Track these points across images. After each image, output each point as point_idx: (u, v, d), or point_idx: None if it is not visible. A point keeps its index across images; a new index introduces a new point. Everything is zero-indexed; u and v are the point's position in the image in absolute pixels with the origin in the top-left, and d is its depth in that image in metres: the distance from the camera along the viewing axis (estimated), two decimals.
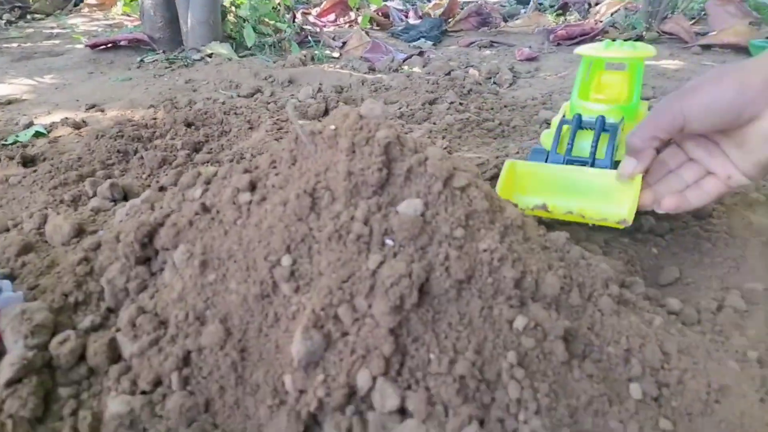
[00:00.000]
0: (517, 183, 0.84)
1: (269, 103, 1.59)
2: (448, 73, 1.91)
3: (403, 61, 2.09)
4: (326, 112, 1.48)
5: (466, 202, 0.63)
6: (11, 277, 0.77)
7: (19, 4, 3.65)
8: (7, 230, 0.91)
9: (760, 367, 0.66)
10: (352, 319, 0.56)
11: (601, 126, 0.81)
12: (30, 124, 1.50)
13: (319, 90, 1.68)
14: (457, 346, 0.56)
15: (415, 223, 0.59)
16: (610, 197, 0.80)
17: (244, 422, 0.57)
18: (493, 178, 1.08)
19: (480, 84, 1.77)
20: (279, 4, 2.74)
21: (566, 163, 0.84)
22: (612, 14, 2.62)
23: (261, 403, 0.56)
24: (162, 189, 1.00)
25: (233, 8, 2.38)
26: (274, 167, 0.69)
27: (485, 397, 0.55)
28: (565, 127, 0.85)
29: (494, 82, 1.87)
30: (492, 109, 1.52)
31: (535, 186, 0.83)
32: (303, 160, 0.66)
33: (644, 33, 2.38)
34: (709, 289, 0.81)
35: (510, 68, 2.03)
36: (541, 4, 3.36)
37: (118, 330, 0.64)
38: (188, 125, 1.30)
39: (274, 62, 2.11)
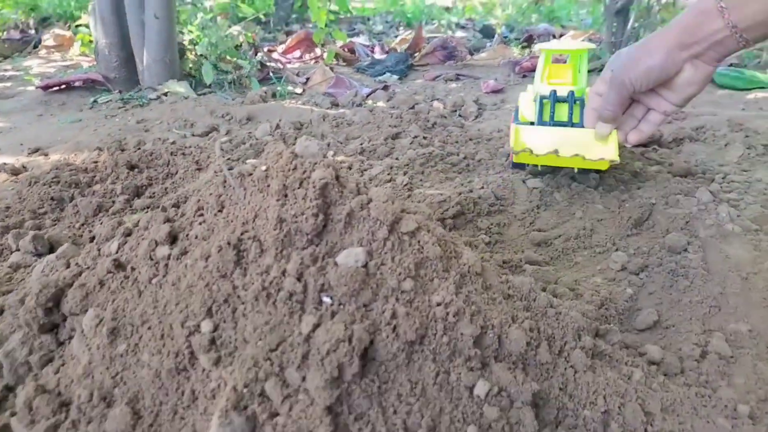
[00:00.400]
0: (524, 141, 1.06)
1: (224, 143, 1.51)
2: (413, 107, 1.87)
3: (367, 96, 2.04)
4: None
5: (415, 248, 0.55)
6: None
7: None
8: None
9: (753, 424, 0.59)
10: (282, 396, 0.47)
11: (572, 98, 1.07)
12: None
13: (278, 127, 1.61)
14: (408, 422, 0.48)
15: (357, 276, 0.51)
16: (597, 146, 1.02)
17: None
18: (456, 216, 1.01)
19: (445, 117, 1.73)
20: (242, 42, 2.69)
21: (553, 126, 1.07)
22: None
23: None
24: (93, 240, 0.91)
25: (192, 46, 2.32)
26: (201, 215, 0.61)
27: None
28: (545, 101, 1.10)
29: (459, 115, 1.83)
30: (457, 142, 1.47)
31: (539, 141, 1.05)
32: (231, 206, 0.58)
33: None
34: (691, 333, 0.74)
35: (475, 100, 2.00)
36: (506, 37, 3.39)
37: (13, 414, 0.54)
38: (131, 168, 1.21)
39: (233, 99, 2.05)
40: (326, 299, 0.50)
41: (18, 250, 0.90)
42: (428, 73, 2.52)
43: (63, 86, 2.29)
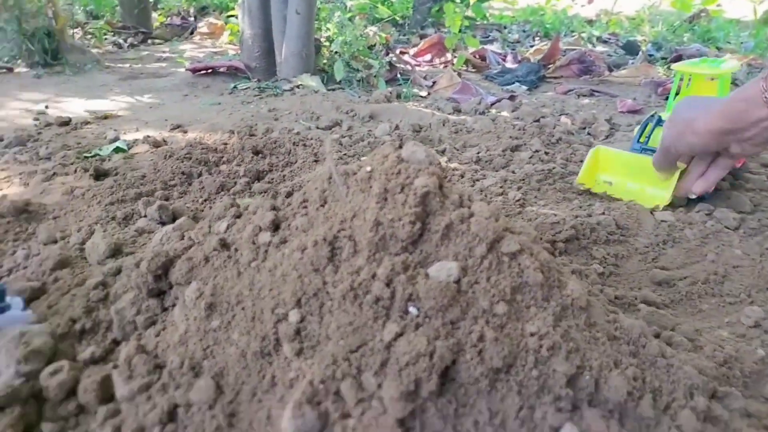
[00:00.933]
0: (599, 165, 1.17)
1: (343, 137, 1.55)
2: (538, 120, 1.79)
3: (492, 104, 1.99)
4: None
5: (515, 271, 0.52)
6: (41, 291, 0.75)
7: (143, 30, 3.98)
8: (54, 242, 0.91)
9: None
10: (355, 399, 0.46)
11: (659, 122, 1.13)
12: (116, 139, 1.56)
13: (397, 128, 1.62)
14: None
15: (447, 291, 0.49)
16: (655, 186, 1.07)
17: None
18: (569, 241, 0.94)
19: (572, 134, 1.64)
20: (376, 42, 2.76)
21: (641, 152, 1.12)
22: None
23: None
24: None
25: (328, 43, 2.41)
26: (305, 207, 0.62)
27: None
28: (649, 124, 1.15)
29: (588, 133, 1.73)
30: (581, 161, 1.38)
31: (612, 167, 1.15)
32: (333, 202, 0.58)
33: None
34: None
35: (608, 119, 1.87)
36: (651, 55, 3.15)
37: (115, 366, 0.59)
38: (256, 153, 1.27)
39: (359, 97, 2.10)
40: (412, 310, 0.49)
41: (145, 216, 0.98)
42: (560, 87, 2.41)
43: (209, 71, 2.48)
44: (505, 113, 1.93)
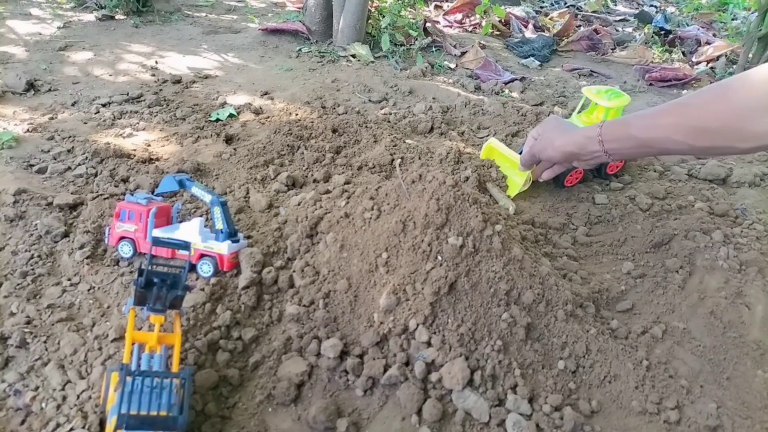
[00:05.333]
0: (491, 154, 1.69)
1: (390, 114, 2.11)
2: (540, 103, 2.31)
3: (506, 84, 2.50)
4: (431, 130, 1.98)
5: (489, 242, 1.13)
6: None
7: None
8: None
9: (648, 371, 1.11)
10: (412, 293, 1.09)
11: None
12: (224, 104, 2.13)
13: (430, 108, 2.17)
14: (464, 318, 1.08)
15: (455, 250, 1.10)
16: (520, 173, 1.58)
17: (351, 332, 1.13)
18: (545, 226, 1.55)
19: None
20: (415, 1, 3.20)
21: (520, 152, 1.56)
22: (715, 60, 2.82)
23: (361, 324, 1.12)
24: (315, 181, 1.58)
25: (379, 15, 2.88)
26: (387, 196, 1.23)
27: (476, 349, 1.06)
28: None
29: None
30: None
31: (497, 156, 1.67)
32: (403, 199, 1.19)
33: None
34: (647, 320, 1.25)
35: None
36: (661, 28, 3.53)
37: (293, 271, 1.22)
38: (334, 131, 1.85)
39: (401, 70, 2.62)
40: (439, 258, 1.10)
41: (275, 179, 1.59)
42: (567, 64, 2.89)
43: (276, 30, 2.98)
44: (515, 94, 2.46)
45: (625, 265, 1.40)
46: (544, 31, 3.46)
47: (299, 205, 1.39)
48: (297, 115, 2.00)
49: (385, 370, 1.01)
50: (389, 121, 2.04)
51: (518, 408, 0.99)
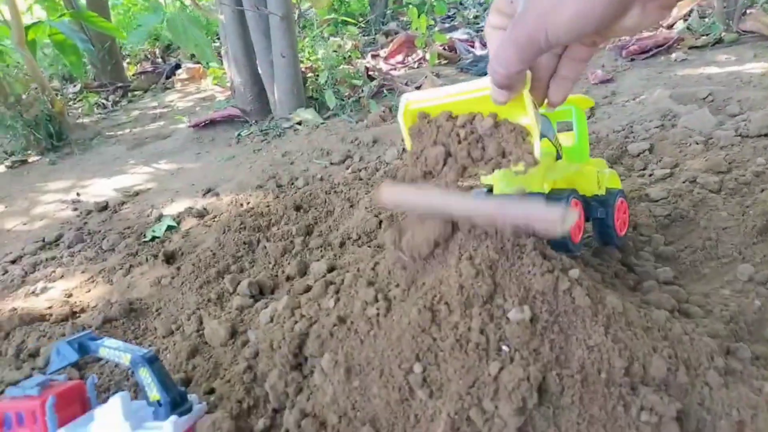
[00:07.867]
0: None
1: (360, 170, 1.73)
2: None
3: None
4: None
5: (568, 300, 0.71)
6: (186, 380, 0.94)
7: (120, 84, 4.10)
8: (171, 333, 1.09)
9: None
10: (483, 420, 0.65)
11: None
12: (160, 217, 1.73)
13: (403, 150, 1.80)
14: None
15: (526, 328, 0.68)
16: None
17: None
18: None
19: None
20: (350, 55, 2.91)
21: None
22: (685, 18, 2.56)
23: None
24: (289, 279, 1.16)
25: (314, 74, 2.57)
26: (391, 274, 0.81)
27: None
28: None
29: None
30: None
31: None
32: (415, 276, 0.77)
33: (723, 35, 2.30)
34: None
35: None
36: None
37: (287, 431, 0.78)
38: (297, 208, 1.45)
39: (357, 122, 2.27)
40: (504, 349, 0.68)
41: (235, 292, 1.17)
42: None
43: (209, 122, 2.64)
44: None
45: (740, 270, 0.99)
46: None
47: (272, 321, 0.96)
48: (249, 203, 1.60)
49: None
50: (361, 179, 1.65)
51: None
